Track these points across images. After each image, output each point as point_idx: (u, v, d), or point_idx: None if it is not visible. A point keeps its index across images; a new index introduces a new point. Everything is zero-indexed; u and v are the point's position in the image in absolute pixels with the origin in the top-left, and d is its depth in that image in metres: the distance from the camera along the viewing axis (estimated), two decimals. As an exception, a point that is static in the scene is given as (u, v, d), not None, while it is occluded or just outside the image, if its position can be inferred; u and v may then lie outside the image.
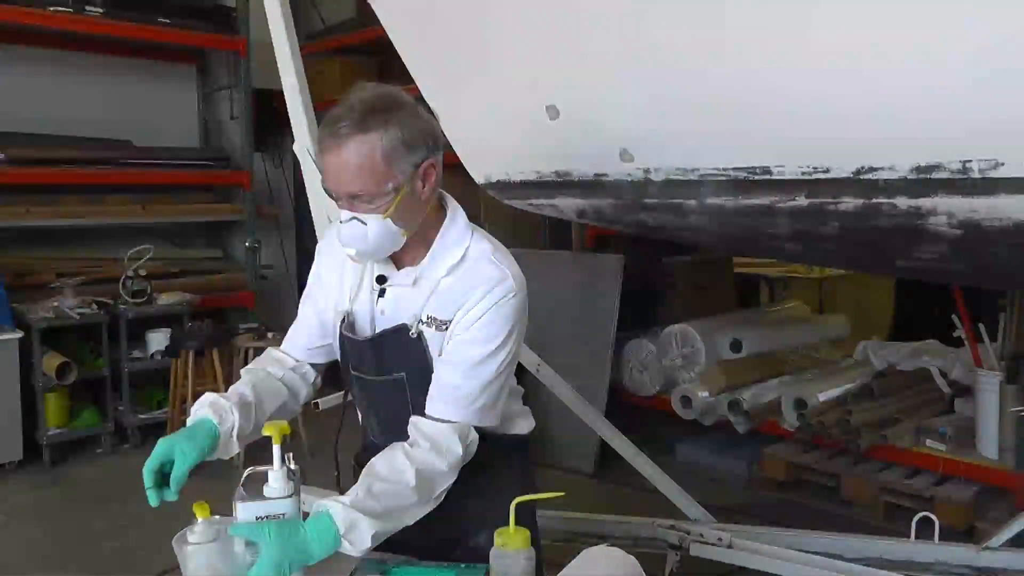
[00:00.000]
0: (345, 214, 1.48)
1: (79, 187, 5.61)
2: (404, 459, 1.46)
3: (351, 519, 1.36)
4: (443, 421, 1.52)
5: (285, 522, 1.36)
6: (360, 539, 1.37)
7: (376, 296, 1.61)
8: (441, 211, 1.61)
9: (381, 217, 1.47)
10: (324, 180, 1.49)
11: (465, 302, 1.52)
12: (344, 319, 1.65)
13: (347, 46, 6.63)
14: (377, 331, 1.60)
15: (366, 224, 1.47)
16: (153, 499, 1.43)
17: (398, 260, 1.60)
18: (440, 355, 1.55)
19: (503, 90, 2.55)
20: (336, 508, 1.37)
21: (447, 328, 1.53)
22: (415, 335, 1.55)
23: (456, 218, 1.60)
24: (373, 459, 1.51)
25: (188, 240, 6.45)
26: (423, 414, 1.55)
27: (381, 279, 1.61)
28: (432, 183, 1.52)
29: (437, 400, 1.54)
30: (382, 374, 1.61)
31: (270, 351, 1.79)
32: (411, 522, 1.47)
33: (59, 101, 5.64)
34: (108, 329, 4.96)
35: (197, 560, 1.35)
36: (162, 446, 1.46)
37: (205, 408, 1.54)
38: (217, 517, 1.40)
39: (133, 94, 6.03)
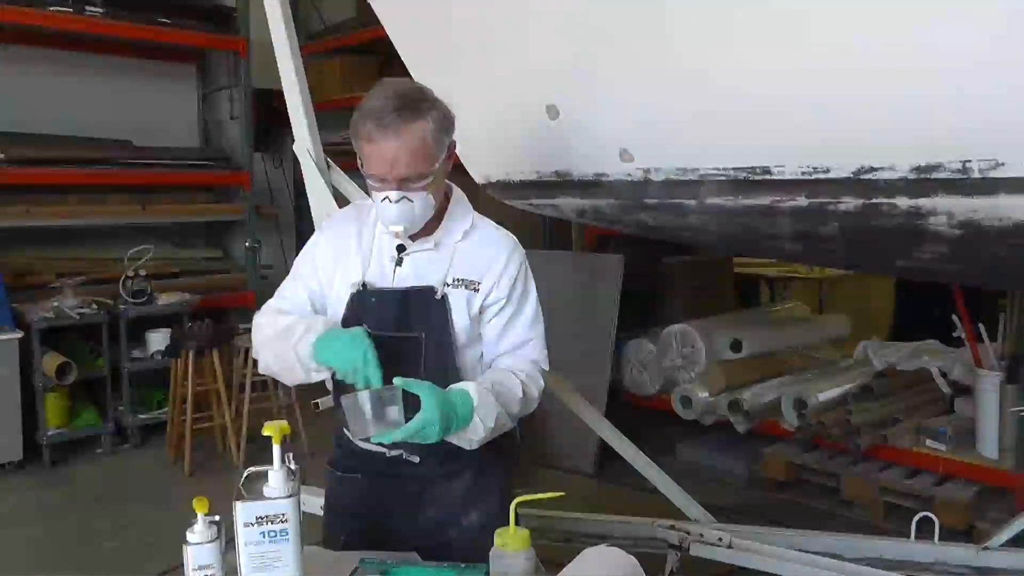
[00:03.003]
0: (395, 195, 1.61)
1: (79, 187, 5.61)
2: (513, 376, 1.68)
3: (484, 396, 1.58)
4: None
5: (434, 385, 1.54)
6: (487, 415, 1.58)
7: (394, 266, 1.71)
8: (445, 187, 1.77)
9: (426, 194, 1.63)
10: (369, 167, 1.62)
11: (490, 267, 1.71)
12: (360, 288, 1.71)
13: (347, 46, 6.64)
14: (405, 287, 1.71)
15: (413, 202, 1.62)
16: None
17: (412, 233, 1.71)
18: (470, 316, 1.69)
19: (503, 90, 2.55)
20: (471, 385, 1.59)
21: (476, 289, 1.70)
22: (439, 297, 1.68)
23: (460, 193, 1.80)
24: (487, 372, 1.70)
25: (188, 240, 6.45)
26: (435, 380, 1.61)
27: (401, 248, 1.71)
28: (453, 159, 1.72)
29: (515, 357, 1.73)
30: (402, 330, 1.68)
31: (274, 312, 1.78)
32: (505, 429, 1.66)
33: (59, 101, 5.64)
34: (108, 329, 4.96)
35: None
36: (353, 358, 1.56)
37: (319, 324, 1.65)
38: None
39: (133, 94, 6.04)
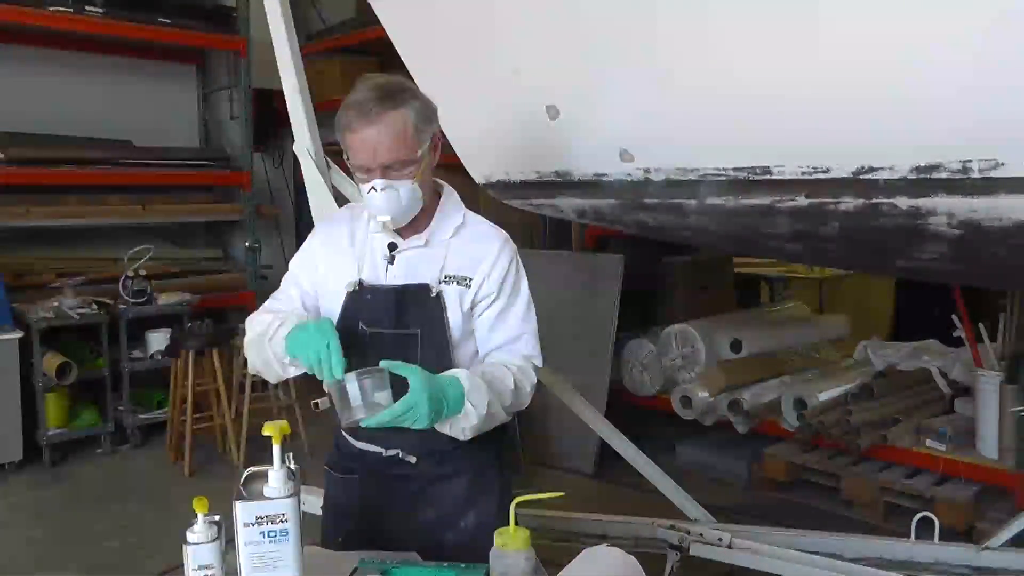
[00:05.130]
0: (380, 183, 1.63)
1: (79, 187, 5.61)
2: (504, 368, 1.67)
3: (474, 382, 1.58)
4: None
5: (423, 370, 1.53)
6: (479, 402, 1.57)
7: (386, 264, 1.72)
8: (436, 186, 1.80)
9: (411, 182, 1.65)
10: (354, 158, 1.64)
11: (481, 262, 1.71)
12: (356, 287, 1.72)
13: (347, 46, 6.64)
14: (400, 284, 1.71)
15: (398, 190, 1.64)
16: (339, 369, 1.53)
17: (403, 231, 1.73)
18: (463, 312, 1.70)
19: (503, 90, 2.55)
20: (461, 372, 1.60)
21: (468, 284, 1.70)
22: (434, 295, 1.69)
23: (451, 190, 1.82)
24: (477, 366, 1.68)
25: (188, 240, 6.45)
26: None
27: (392, 246, 1.72)
28: (438, 153, 1.73)
29: (507, 352, 1.72)
30: (397, 327, 1.69)
31: (262, 313, 1.78)
32: (498, 421, 1.65)
33: (59, 101, 5.64)
34: (108, 329, 4.96)
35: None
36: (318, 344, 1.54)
37: (292, 318, 1.65)
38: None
39: (133, 94, 6.04)
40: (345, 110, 1.63)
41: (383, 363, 1.52)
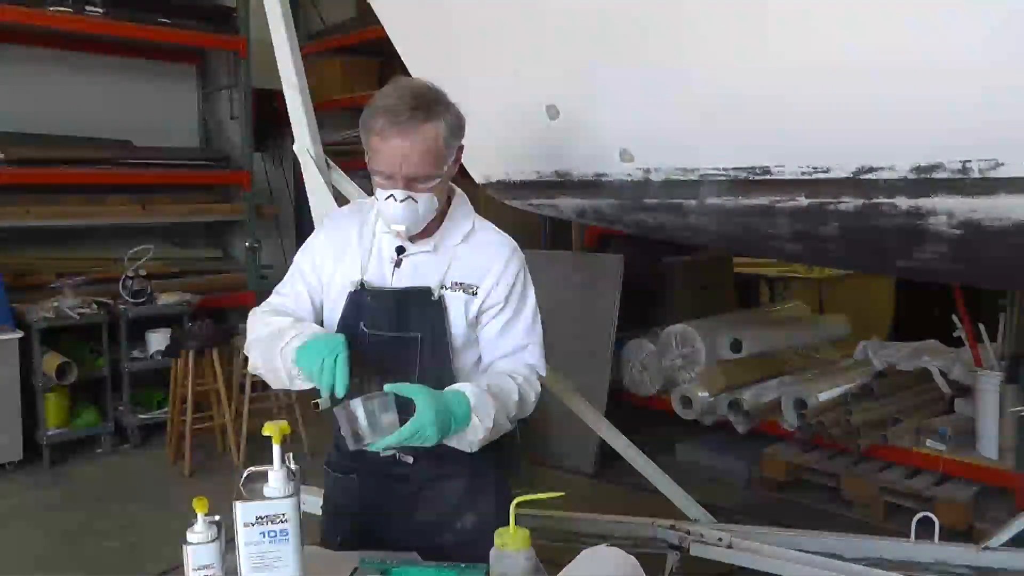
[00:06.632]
0: (400, 194, 1.60)
1: (79, 187, 5.62)
2: (510, 380, 1.66)
3: (481, 397, 1.56)
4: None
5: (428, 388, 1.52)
6: (485, 415, 1.56)
7: (392, 267, 1.71)
8: (448, 190, 1.76)
9: (431, 195, 1.63)
10: (377, 163, 1.61)
11: (489, 270, 1.70)
12: (357, 288, 1.71)
13: (347, 46, 6.64)
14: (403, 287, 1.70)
15: (418, 202, 1.62)
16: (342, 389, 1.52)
17: (412, 235, 1.70)
18: (468, 320, 1.69)
19: (503, 90, 2.55)
20: (467, 386, 1.58)
21: (474, 293, 1.69)
22: (436, 298, 1.67)
23: (462, 195, 1.79)
24: (483, 377, 1.67)
25: (188, 240, 6.46)
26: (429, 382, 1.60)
27: (400, 249, 1.71)
28: (459, 164, 1.71)
29: (512, 362, 1.71)
30: (399, 330, 1.68)
31: (269, 312, 1.77)
32: (502, 431, 1.64)
33: (59, 101, 5.64)
34: (108, 329, 4.97)
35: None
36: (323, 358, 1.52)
37: (308, 330, 1.63)
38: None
39: (133, 94, 6.04)
40: (375, 113, 1.58)
41: (387, 387, 1.51)
